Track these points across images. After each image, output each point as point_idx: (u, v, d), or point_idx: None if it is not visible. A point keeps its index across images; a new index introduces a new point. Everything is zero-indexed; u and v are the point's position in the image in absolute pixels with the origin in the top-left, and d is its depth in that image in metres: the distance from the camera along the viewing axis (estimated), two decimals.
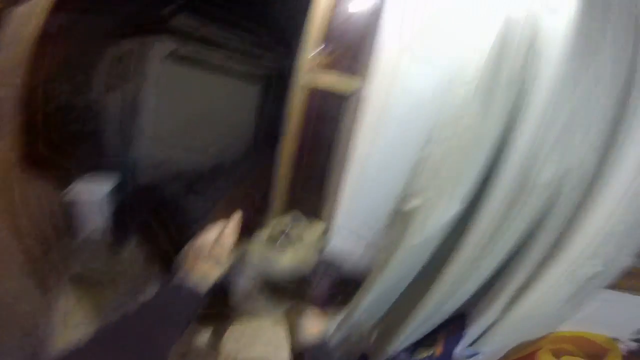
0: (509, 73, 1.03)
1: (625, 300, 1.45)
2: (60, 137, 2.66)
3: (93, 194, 2.04)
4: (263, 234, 0.69)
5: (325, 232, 1.39)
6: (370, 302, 1.21)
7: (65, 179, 2.09)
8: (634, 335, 1.51)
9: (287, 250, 0.67)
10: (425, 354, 1.36)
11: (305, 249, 0.73)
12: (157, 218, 1.17)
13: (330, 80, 1.26)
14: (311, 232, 0.73)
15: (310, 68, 1.27)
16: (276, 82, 3.57)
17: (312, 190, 1.41)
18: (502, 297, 1.21)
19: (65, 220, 2.01)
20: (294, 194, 1.39)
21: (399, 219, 1.25)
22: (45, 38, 1.35)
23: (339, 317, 1.35)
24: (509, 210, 1.09)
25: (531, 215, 1.12)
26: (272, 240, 0.70)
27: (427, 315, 1.23)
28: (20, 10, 1.31)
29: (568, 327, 1.44)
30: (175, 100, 2.68)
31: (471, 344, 1.32)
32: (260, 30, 3.05)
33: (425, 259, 1.20)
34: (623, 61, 1.08)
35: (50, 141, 2.61)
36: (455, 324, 1.33)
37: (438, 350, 1.34)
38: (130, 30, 2.55)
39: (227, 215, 1.00)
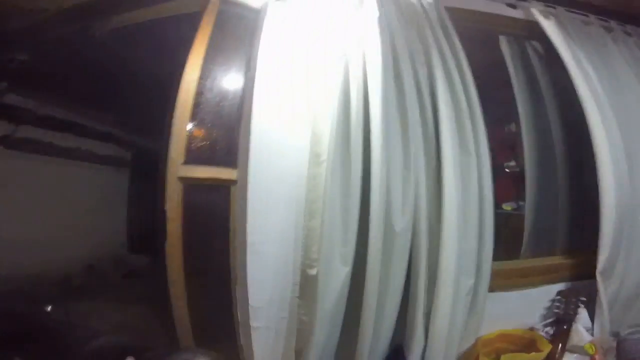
0: (354, 144, 1.26)
1: (513, 296, 1.64)
2: None
3: None
4: None
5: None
6: None
7: None
8: (545, 322, 1.65)
9: None
10: None
11: None
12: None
13: (207, 172, 1.28)
14: None
15: (182, 160, 1.27)
16: (144, 168, 3.19)
17: (214, 285, 1.42)
18: (418, 324, 1.38)
19: None
20: (194, 299, 1.38)
21: (307, 287, 1.34)
22: None
23: None
24: (386, 257, 1.29)
25: (404, 255, 1.34)
26: None
27: (366, 356, 1.31)
28: None
29: (489, 331, 1.56)
30: (18, 192, 2.22)
31: None
32: (116, 111, 2.80)
33: (342, 315, 1.32)
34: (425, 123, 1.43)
35: None
36: (396, 356, 1.43)
37: None
38: None
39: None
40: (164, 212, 1.18)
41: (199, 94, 1.36)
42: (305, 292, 1.41)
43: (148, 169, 3.12)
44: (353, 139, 1.25)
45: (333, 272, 1.26)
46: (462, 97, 1.48)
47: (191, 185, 1.26)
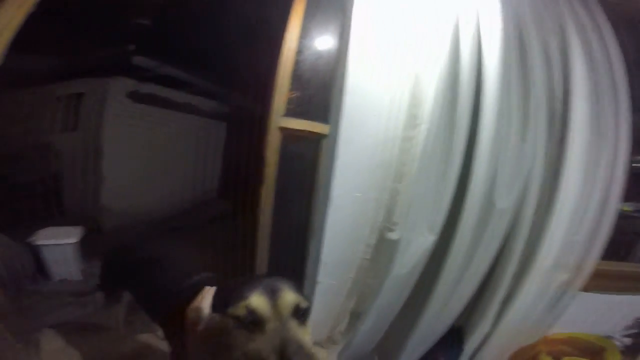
0: (462, 109, 1.15)
1: (606, 300, 1.48)
2: (17, 184, 2.52)
3: (59, 239, 2.00)
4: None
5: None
6: (367, 329, 1.30)
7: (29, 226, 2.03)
8: (626, 332, 1.53)
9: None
10: None
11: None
12: (133, 267, 1.15)
13: (302, 125, 1.32)
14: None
15: (282, 112, 1.32)
16: (241, 123, 3.59)
17: (293, 237, 1.50)
18: (490, 310, 1.30)
19: (36, 266, 1.95)
20: (273, 244, 1.47)
21: (382, 250, 1.34)
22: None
23: (340, 346, 1.41)
24: (478, 234, 1.20)
25: (498, 236, 1.23)
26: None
27: (423, 334, 1.30)
28: None
29: (559, 330, 1.47)
30: (137, 140, 2.62)
31: (471, 357, 1.38)
32: (222, 70, 3.09)
33: (412, 284, 1.28)
34: (552, 84, 1.24)
35: (9, 187, 2.47)
36: (451, 339, 1.37)
37: None
38: (85, 70, 2.49)
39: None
40: (262, 157, 1.25)
41: (299, 52, 1.40)
42: (378, 255, 1.40)
43: (245, 122, 3.48)
44: (461, 103, 1.16)
45: (416, 239, 1.21)
46: (604, 75, 1.26)
47: (288, 135, 1.32)
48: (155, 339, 1.44)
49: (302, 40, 1.41)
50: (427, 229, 1.20)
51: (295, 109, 1.36)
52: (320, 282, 1.48)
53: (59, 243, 1.95)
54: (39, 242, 1.91)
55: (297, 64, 1.39)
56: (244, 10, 2.12)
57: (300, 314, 0.62)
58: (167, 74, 2.79)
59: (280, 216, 1.42)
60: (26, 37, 1.09)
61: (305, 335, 0.60)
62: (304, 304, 0.63)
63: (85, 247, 2.06)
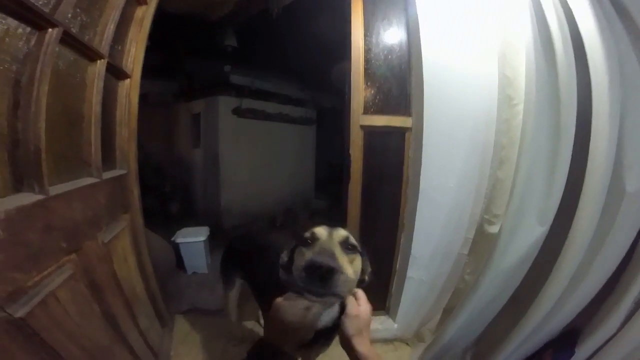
0: (563, 81, 0.98)
1: None
2: (162, 192, 3.13)
3: (193, 237, 2.39)
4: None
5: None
6: (459, 327, 1.20)
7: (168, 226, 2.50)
8: None
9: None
10: None
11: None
12: (245, 259, 1.34)
13: (382, 120, 1.33)
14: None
15: (362, 110, 1.35)
16: (328, 125, 3.78)
17: (382, 228, 1.51)
18: (620, 310, 1.07)
19: (176, 260, 2.38)
20: (362, 238, 1.50)
21: (481, 244, 1.25)
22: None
23: (426, 344, 1.36)
24: (604, 223, 1.00)
25: (631, 225, 1.01)
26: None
27: (527, 335, 1.15)
28: None
29: None
30: (244, 151, 3.01)
31: None
32: (304, 78, 3.29)
33: (518, 280, 1.15)
34: None
35: (157, 196, 3.09)
36: (564, 341, 1.18)
37: None
38: (198, 92, 2.95)
39: None
40: (349, 155, 1.31)
41: (367, 50, 1.40)
42: (477, 249, 1.31)
43: (331, 124, 3.70)
44: (561, 74, 0.98)
45: (522, 231, 1.06)
46: None
47: (370, 132, 1.36)
48: (259, 327, 1.62)
49: (368, 37, 1.41)
50: (535, 220, 1.05)
51: (375, 106, 1.37)
52: (411, 278, 1.48)
53: (193, 241, 2.39)
54: (179, 241, 2.36)
55: (368, 61, 1.39)
56: (313, 21, 2.22)
57: (348, 246, 0.73)
58: (260, 89, 3.13)
59: (369, 210, 1.45)
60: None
61: (344, 260, 0.69)
62: (352, 241, 0.74)
63: (211, 244, 2.48)
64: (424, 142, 1.25)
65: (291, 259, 0.78)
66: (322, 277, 0.62)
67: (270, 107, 3.30)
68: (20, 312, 0.63)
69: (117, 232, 1.05)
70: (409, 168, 1.37)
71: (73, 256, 0.79)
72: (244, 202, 3.19)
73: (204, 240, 2.38)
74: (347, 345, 0.71)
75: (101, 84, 0.80)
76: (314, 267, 0.62)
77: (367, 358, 0.68)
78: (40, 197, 0.62)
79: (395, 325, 1.58)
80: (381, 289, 1.60)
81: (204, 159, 3.05)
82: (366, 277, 0.80)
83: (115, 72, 0.88)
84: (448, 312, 1.35)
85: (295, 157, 3.62)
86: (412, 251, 1.40)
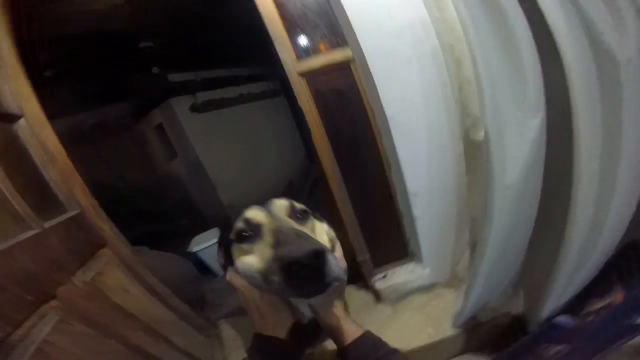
0: None
1: None
2: (160, 211, 3.14)
3: (208, 241, 2.44)
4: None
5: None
6: (492, 259, 1.06)
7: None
8: None
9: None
10: (599, 305, 1.04)
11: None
12: None
13: (319, 61, 1.23)
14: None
15: (295, 57, 1.25)
16: (276, 91, 3.61)
17: (369, 175, 1.41)
18: None
19: (201, 269, 2.44)
20: (352, 191, 1.39)
21: (475, 158, 1.16)
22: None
23: (464, 286, 1.27)
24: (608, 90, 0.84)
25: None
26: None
27: (578, 257, 0.98)
28: None
29: None
30: (222, 142, 2.95)
31: None
32: (241, 57, 3.12)
33: (536, 190, 0.98)
34: None
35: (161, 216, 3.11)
36: (631, 261, 1.01)
37: (618, 297, 1.01)
38: (147, 104, 2.86)
39: None
40: (300, 111, 1.23)
41: None
42: (473, 165, 1.22)
43: (277, 89, 3.55)
44: None
45: (512, 128, 0.90)
46: None
47: (313, 77, 1.26)
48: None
49: None
50: (522, 113, 0.88)
51: (306, 48, 1.26)
52: (419, 217, 1.36)
53: (209, 245, 2.43)
54: (195, 249, 2.40)
55: (281, 6, 1.26)
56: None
57: (297, 214, 0.62)
58: (206, 78, 3.00)
59: (347, 160, 1.38)
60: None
61: (312, 233, 0.59)
62: (299, 205, 0.63)
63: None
64: (371, 67, 1.14)
65: (229, 259, 0.64)
66: (314, 273, 0.48)
67: (228, 92, 3.18)
68: None
69: (100, 268, 1.05)
70: (368, 101, 1.28)
71: (53, 303, 0.80)
72: (244, 193, 3.18)
73: (213, 244, 2.42)
74: (318, 317, 0.64)
75: None
76: (298, 267, 0.48)
77: (338, 331, 0.61)
78: None
79: (427, 270, 1.50)
80: (396, 238, 1.54)
81: (187, 166, 3.02)
82: (335, 242, 0.68)
83: None
84: (474, 245, 1.29)
85: (277, 131, 3.54)
86: (409, 188, 1.30)
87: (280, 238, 0.53)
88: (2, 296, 0.66)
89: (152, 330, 1.18)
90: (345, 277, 0.62)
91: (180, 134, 2.83)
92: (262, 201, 0.64)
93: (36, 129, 0.91)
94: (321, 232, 0.64)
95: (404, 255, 1.58)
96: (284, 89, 3.77)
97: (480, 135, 1.05)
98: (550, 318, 1.10)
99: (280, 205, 0.62)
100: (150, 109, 2.96)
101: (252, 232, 0.59)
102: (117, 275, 1.15)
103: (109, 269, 1.10)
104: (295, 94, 1.25)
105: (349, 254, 1.53)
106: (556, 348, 1.01)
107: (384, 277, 1.56)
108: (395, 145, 1.24)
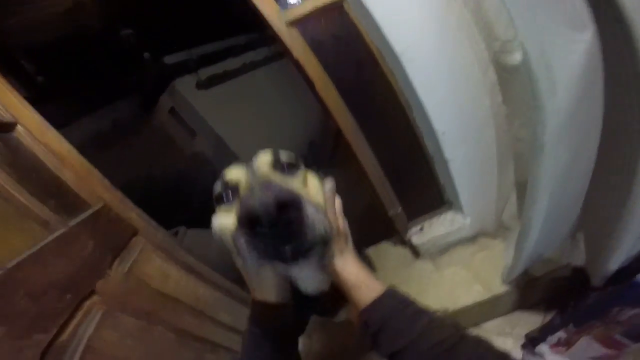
0: None
1: None
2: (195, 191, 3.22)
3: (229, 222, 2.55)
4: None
5: None
6: (542, 205, 0.90)
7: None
8: None
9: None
10: None
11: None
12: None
13: (309, 5, 1.09)
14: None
15: (276, 8, 1.12)
16: (276, 54, 3.42)
17: (389, 120, 1.28)
18: None
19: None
20: (372, 140, 1.28)
21: (511, 81, 0.98)
22: None
23: (516, 231, 1.11)
24: None
25: None
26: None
27: None
28: None
29: None
30: (237, 114, 2.89)
31: None
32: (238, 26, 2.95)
33: (596, 125, 0.82)
34: None
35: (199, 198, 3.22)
36: None
37: None
38: (152, 91, 2.86)
39: None
40: (297, 63, 1.13)
41: None
42: (511, 93, 1.04)
43: (276, 51, 3.37)
44: None
45: (557, 46, 0.74)
46: None
47: (304, 26, 1.12)
48: None
49: None
50: (565, 28, 0.71)
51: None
52: (451, 159, 1.23)
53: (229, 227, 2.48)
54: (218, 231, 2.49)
55: None
56: None
57: (283, 166, 0.54)
58: (203, 54, 2.92)
59: (360, 108, 1.27)
60: None
61: (293, 184, 0.51)
62: (285, 156, 0.55)
63: None
64: (366, 1, 1.00)
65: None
66: (282, 231, 0.39)
67: (229, 64, 3.07)
68: None
69: (136, 257, 1.08)
70: (372, 41, 1.13)
71: (95, 298, 0.84)
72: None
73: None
74: (332, 274, 0.56)
75: None
76: (251, 216, 0.38)
77: (355, 289, 0.54)
78: None
79: (468, 219, 1.38)
80: (428, 185, 1.41)
81: (208, 143, 2.98)
82: (334, 197, 0.59)
83: None
84: (521, 186, 1.12)
85: (288, 93, 3.40)
86: (436, 128, 1.18)
87: (248, 193, 0.43)
88: (43, 299, 0.69)
89: (198, 312, 1.23)
90: (333, 236, 0.54)
91: (193, 113, 2.81)
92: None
93: (36, 134, 0.91)
94: (315, 185, 0.56)
95: (440, 204, 1.46)
96: (283, 50, 3.61)
97: (514, 58, 0.91)
98: (620, 273, 0.95)
99: (263, 159, 0.54)
100: (158, 95, 2.94)
101: (232, 194, 0.53)
102: (154, 261, 1.18)
103: (144, 257, 1.13)
104: (288, 47, 1.13)
105: (379, 209, 1.46)
106: (632, 312, 0.87)
107: (421, 230, 1.46)
108: (412, 83, 1.11)
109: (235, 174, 0.55)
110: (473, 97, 1.14)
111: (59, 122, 1.04)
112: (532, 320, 1.19)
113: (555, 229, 1.01)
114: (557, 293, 1.19)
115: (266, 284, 0.57)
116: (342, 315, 1.41)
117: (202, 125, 2.86)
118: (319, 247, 0.44)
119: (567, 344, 1.00)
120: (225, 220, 0.51)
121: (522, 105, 0.96)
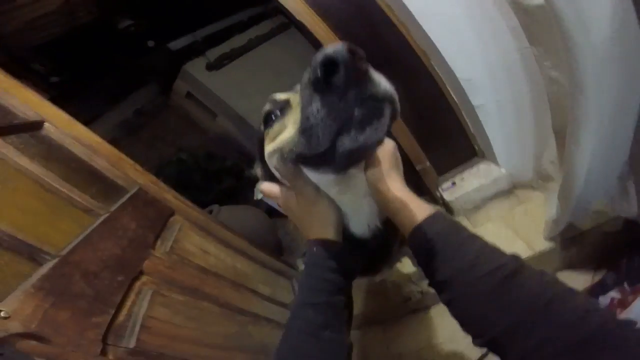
0: None
1: None
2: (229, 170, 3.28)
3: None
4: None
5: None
6: (592, 151, 0.83)
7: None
8: None
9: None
10: None
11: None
12: None
13: None
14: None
15: None
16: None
17: (407, 71, 1.20)
18: None
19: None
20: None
21: (539, 17, 0.87)
22: None
23: (558, 182, 1.04)
24: None
25: None
26: None
27: None
28: None
29: None
30: (252, 91, 2.85)
31: None
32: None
33: (633, 67, 0.73)
34: None
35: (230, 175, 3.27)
36: None
37: None
38: (165, 79, 2.89)
39: None
40: (303, 27, 1.07)
41: None
42: (539, 34, 0.92)
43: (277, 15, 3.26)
44: None
45: None
46: None
47: None
48: None
49: None
50: None
51: None
52: (480, 105, 1.14)
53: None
54: (259, 197, 2.53)
55: None
56: None
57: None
58: (207, 36, 2.89)
59: (376, 62, 1.20)
60: None
61: None
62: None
63: None
64: None
65: (267, 169, 0.57)
66: (357, 75, 0.35)
67: (236, 41, 3.01)
68: (132, 342, 0.74)
69: (175, 236, 1.13)
70: None
71: (144, 278, 0.89)
72: None
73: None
74: (377, 197, 0.55)
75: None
76: (329, 60, 0.34)
77: (404, 210, 0.51)
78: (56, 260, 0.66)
79: (503, 170, 1.29)
80: (457, 135, 1.32)
81: (230, 121, 2.99)
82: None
83: (23, 128, 0.84)
84: (560, 132, 0.98)
85: (301, 61, 3.29)
86: (459, 76, 1.11)
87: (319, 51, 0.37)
88: (98, 282, 0.75)
89: (239, 285, 1.29)
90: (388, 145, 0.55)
91: (209, 95, 2.82)
92: None
93: (64, 128, 0.94)
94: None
95: (472, 155, 1.36)
96: (290, 19, 3.46)
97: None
98: None
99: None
100: (172, 81, 2.96)
101: (281, 109, 0.52)
102: (194, 239, 1.24)
103: (183, 235, 1.19)
104: (292, 11, 1.07)
105: (406, 165, 1.36)
106: None
107: (453, 184, 1.37)
108: (428, 32, 1.05)
109: (281, 95, 0.55)
110: (496, 42, 1.05)
111: (85, 119, 1.08)
112: (580, 280, 1.10)
113: (602, 174, 0.92)
114: (607, 249, 1.08)
115: (323, 216, 0.56)
116: (378, 278, 1.43)
117: (220, 106, 2.86)
118: (387, 107, 0.40)
119: (621, 305, 0.93)
120: (282, 134, 0.49)
121: (551, 47, 0.87)
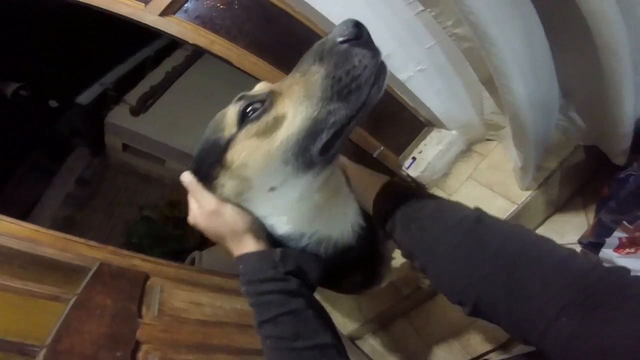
0: None
1: None
2: None
3: None
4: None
5: None
6: (526, 82, 0.86)
7: None
8: None
9: None
10: None
11: None
12: None
13: None
14: None
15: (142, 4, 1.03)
16: None
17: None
18: None
19: None
20: None
21: None
22: None
23: (506, 134, 1.13)
24: None
25: None
26: None
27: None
28: None
29: None
30: (185, 123, 2.80)
31: None
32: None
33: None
34: None
35: None
36: None
37: None
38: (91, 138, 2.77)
39: None
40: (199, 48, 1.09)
41: None
42: None
43: None
44: None
45: None
46: None
47: (178, 7, 1.07)
48: None
49: None
50: None
51: None
52: (407, 79, 1.20)
53: None
54: None
55: None
56: None
57: None
58: (117, 79, 2.81)
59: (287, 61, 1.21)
60: None
61: None
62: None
63: None
64: None
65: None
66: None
67: (152, 78, 2.94)
68: None
69: (159, 298, 1.10)
70: None
71: (144, 347, 0.86)
72: None
73: None
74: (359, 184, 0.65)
75: None
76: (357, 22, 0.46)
77: (369, 183, 0.61)
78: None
79: (454, 132, 1.37)
80: (398, 112, 1.37)
81: (179, 162, 2.89)
82: None
83: None
84: (490, 83, 1.00)
85: (225, 80, 3.30)
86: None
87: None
88: None
89: (245, 326, 1.24)
90: None
91: (146, 140, 2.69)
92: None
93: None
94: None
95: (420, 126, 1.44)
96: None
97: None
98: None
99: None
100: (101, 138, 2.83)
101: (262, 101, 0.52)
102: (180, 295, 1.20)
103: (168, 295, 1.15)
104: (180, 36, 1.07)
105: (362, 155, 1.41)
106: None
107: (414, 160, 1.44)
108: (328, 18, 1.08)
109: (259, 87, 0.59)
110: (394, 12, 1.12)
111: (20, 210, 1.02)
112: (575, 221, 1.16)
113: (544, 110, 0.99)
114: (584, 179, 1.17)
115: (232, 227, 0.56)
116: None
117: (163, 149, 2.76)
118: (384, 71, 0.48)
119: (633, 244, 0.91)
120: (284, 124, 0.50)
121: (445, 6, 0.96)
